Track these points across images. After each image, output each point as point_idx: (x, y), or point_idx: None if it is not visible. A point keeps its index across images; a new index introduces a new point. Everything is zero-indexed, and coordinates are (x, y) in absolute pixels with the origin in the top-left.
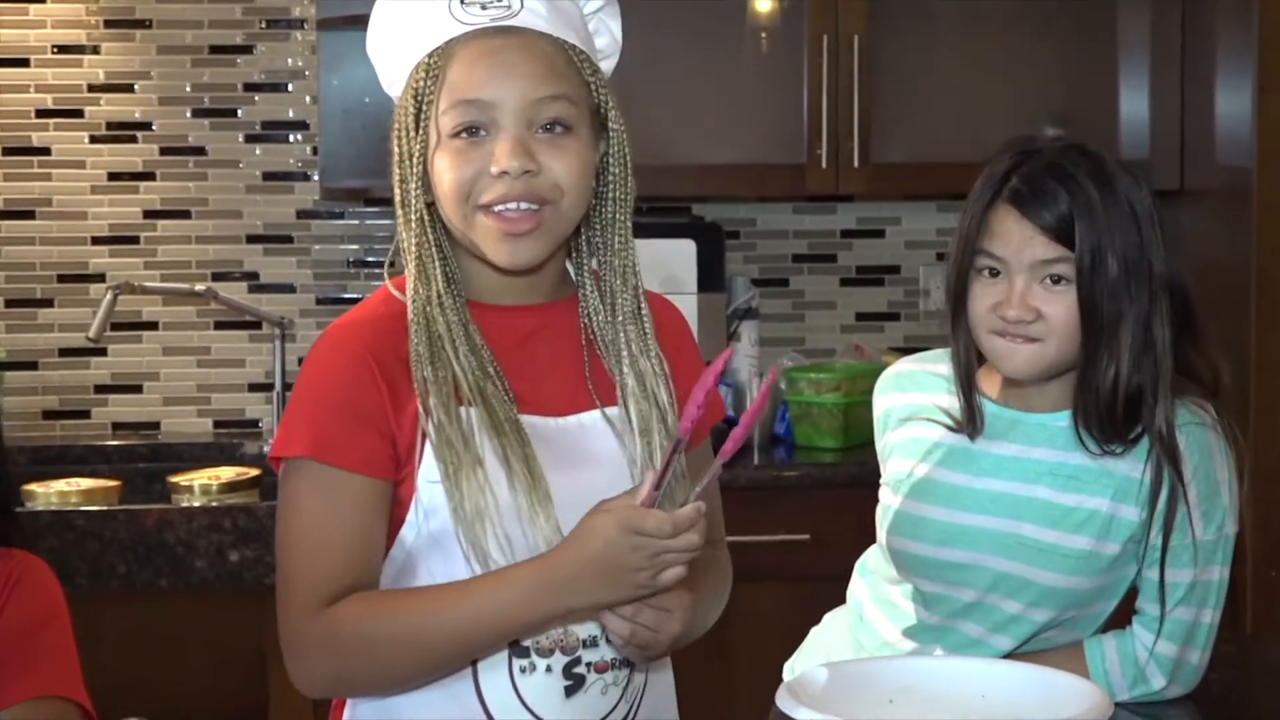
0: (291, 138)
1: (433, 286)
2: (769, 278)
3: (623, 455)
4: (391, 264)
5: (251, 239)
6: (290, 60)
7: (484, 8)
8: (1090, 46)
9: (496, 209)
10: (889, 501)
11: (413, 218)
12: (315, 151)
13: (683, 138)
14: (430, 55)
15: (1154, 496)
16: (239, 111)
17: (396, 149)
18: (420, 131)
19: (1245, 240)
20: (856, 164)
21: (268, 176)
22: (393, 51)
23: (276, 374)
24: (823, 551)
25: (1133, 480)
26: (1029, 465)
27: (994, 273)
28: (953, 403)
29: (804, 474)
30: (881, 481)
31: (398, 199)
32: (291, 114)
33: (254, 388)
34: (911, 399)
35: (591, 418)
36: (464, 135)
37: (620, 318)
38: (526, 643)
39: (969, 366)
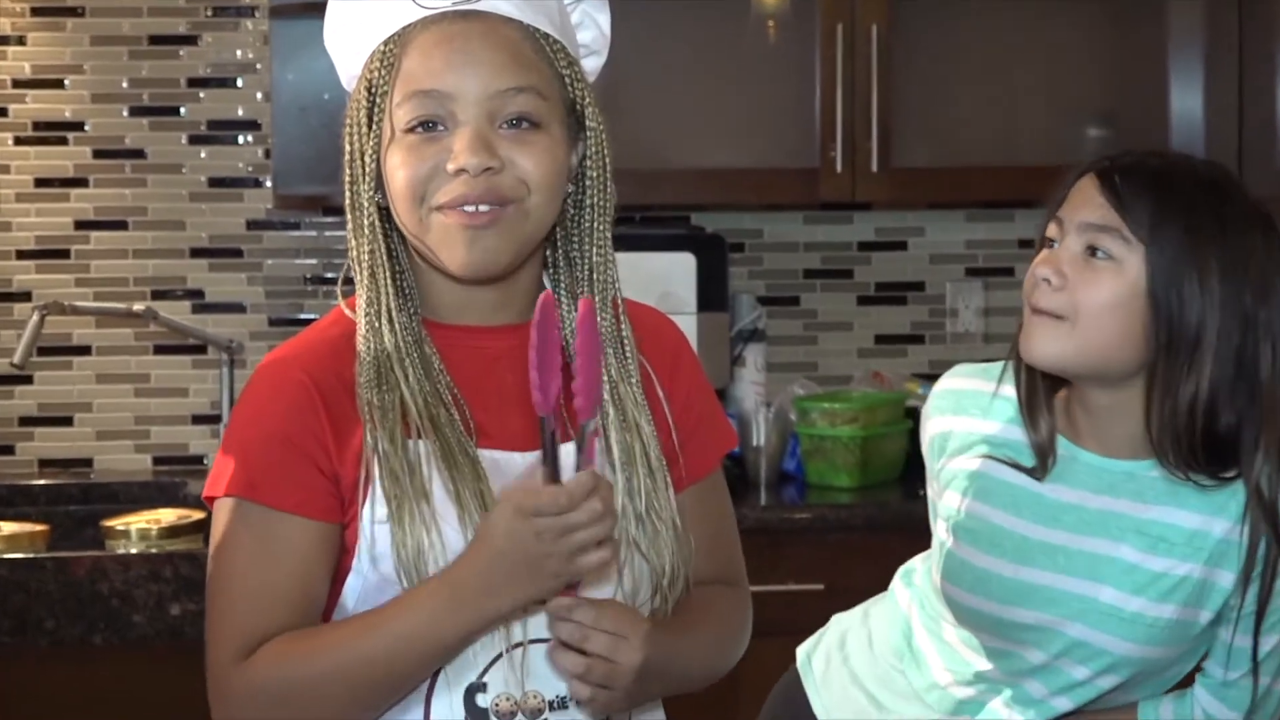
0: (241, 139)
1: (382, 299)
2: (777, 296)
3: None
4: (347, 280)
5: (196, 253)
6: (240, 52)
7: None
8: (1137, 36)
9: (453, 209)
10: (946, 541)
11: (364, 222)
12: (268, 154)
13: (681, 139)
14: (386, 43)
15: (1250, 557)
16: (182, 110)
17: (348, 146)
18: (373, 127)
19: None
20: (875, 168)
21: (214, 183)
22: (349, 41)
23: (223, 404)
24: (838, 603)
25: (1230, 544)
26: (1112, 521)
27: (1052, 241)
28: (1024, 435)
29: (817, 516)
30: (932, 500)
31: (348, 201)
32: (241, 112)
33: (198, 420)
34: (974, 425)
35: (564, 451)
36: (419, 130)
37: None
38: (483, 703)
39: (1031, 388)
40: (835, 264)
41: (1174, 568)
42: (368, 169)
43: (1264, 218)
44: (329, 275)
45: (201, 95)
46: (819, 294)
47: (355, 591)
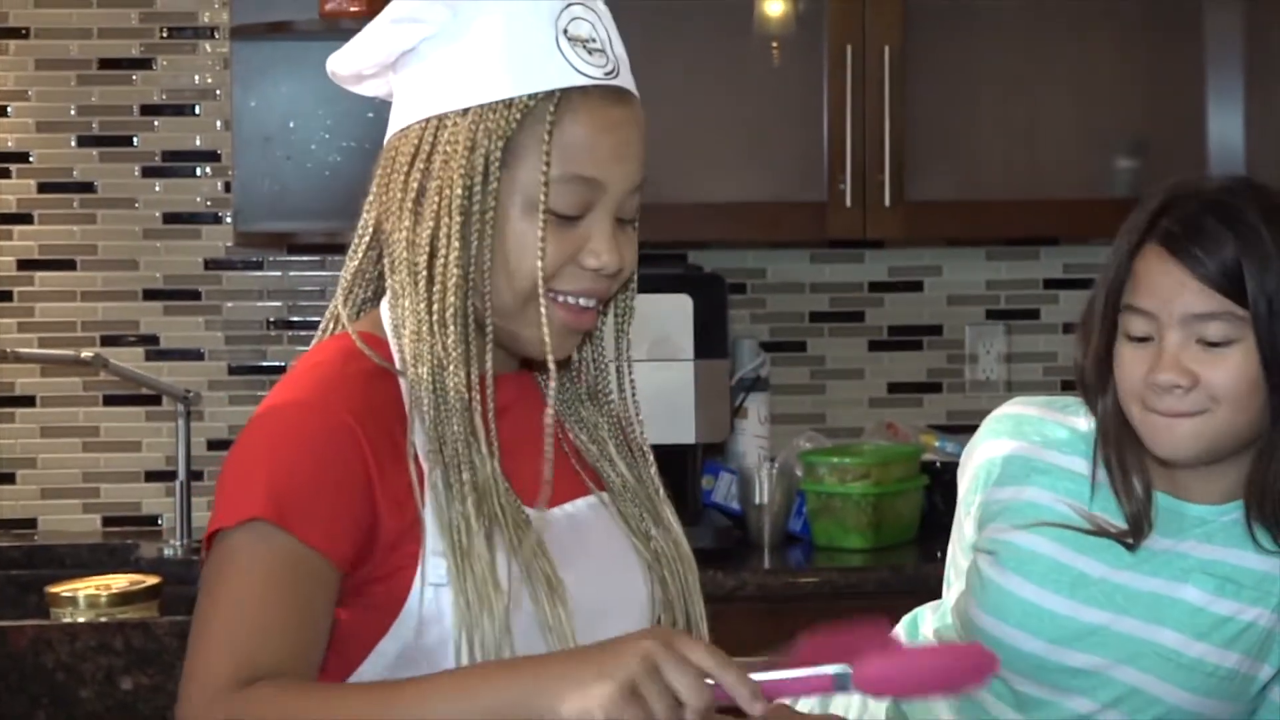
0: (199, 171)
1: (470, 366)
2: (782, 341)
3: (618, 543)
4: (358, 309)
5: (150, 295)
6: (198, 77)
7: (590, 51)
8: (1172, 57)
9: (571, 300)
10: (990, 573)
11: (450, 284)
12: (228, 188)
13: (676, 170)
14: (535, 98)
15: None
16: (135, 139)
17: (461, 195)
18: (489, 181)
19: None
20: (888, 203)
21: (170, 219)
22: (447, 65)
23: (180, 459)
24: None
25: None
26: (1175, 559)
27: (1144, 336)
28: (1086, 467)
29: (825, 580)
30: (966, 543)
31: (433, 253)
32: (199, 142)
33: (152, 476)
34: (1038, 453)
35: (586, 504)
36: (558, 214)
37: (590, 385)
38: None
39: (1122, 453)
40: (845, 306)
41: (1241, 612)
42: (486, 229)
43: None
44: (294, 319)
45: (156, 124)
46: (827, 339)
47: (387, 658)
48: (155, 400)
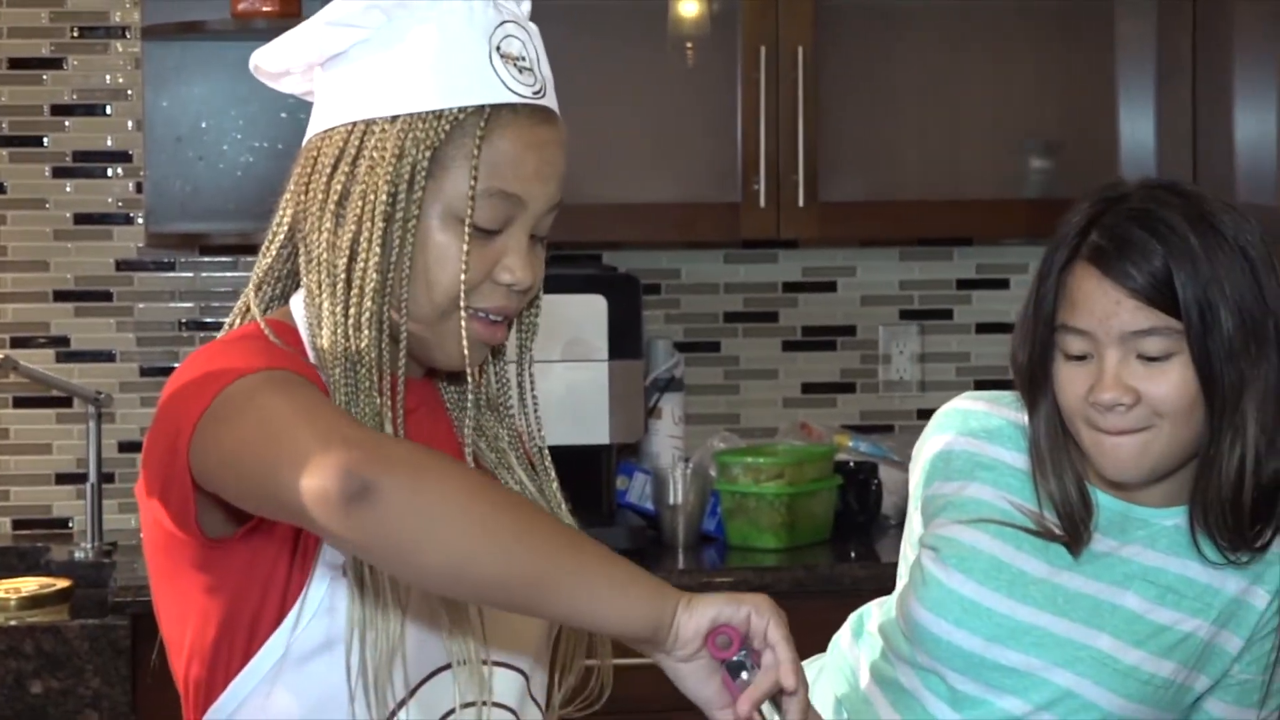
0: (110, 171)
1: (383, 370)
2: (696, 341)
3: None
4: (266, 305)
5: (60, 296)
6: (109, 77)
7: (520, 70)
8: (1085, 59)
9: (483, 315)
10: (931, 568)
11: (368, 288)
12: (139, 189)
13: (590, 171)
14: (466, 111)
15: None
16: (45, 140)
17: (385, 201)
18: (413, 189)
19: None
20: (802, 203)
21: (81, 219)
22: (370, 70)
23: (91, 462)
24: None
25: (1245, 605)
26: (1118, 563)
27: (1082, 355)
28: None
29: (739, 580)
30: (914, 537)
31: (360, 248)
32: (110, 142)
33: (63, 479)
34: (983, 449)
35: None
36: (483, 229)
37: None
38: None
39: (1058, 462)
40: (759, 307)
41: (1180, 622)
42: (407, 236)
43: (1246, 217)
44: (207, 320)
45: (67, 124)
46: (741, 339)
47: (277, 652)
48: (66, 402)
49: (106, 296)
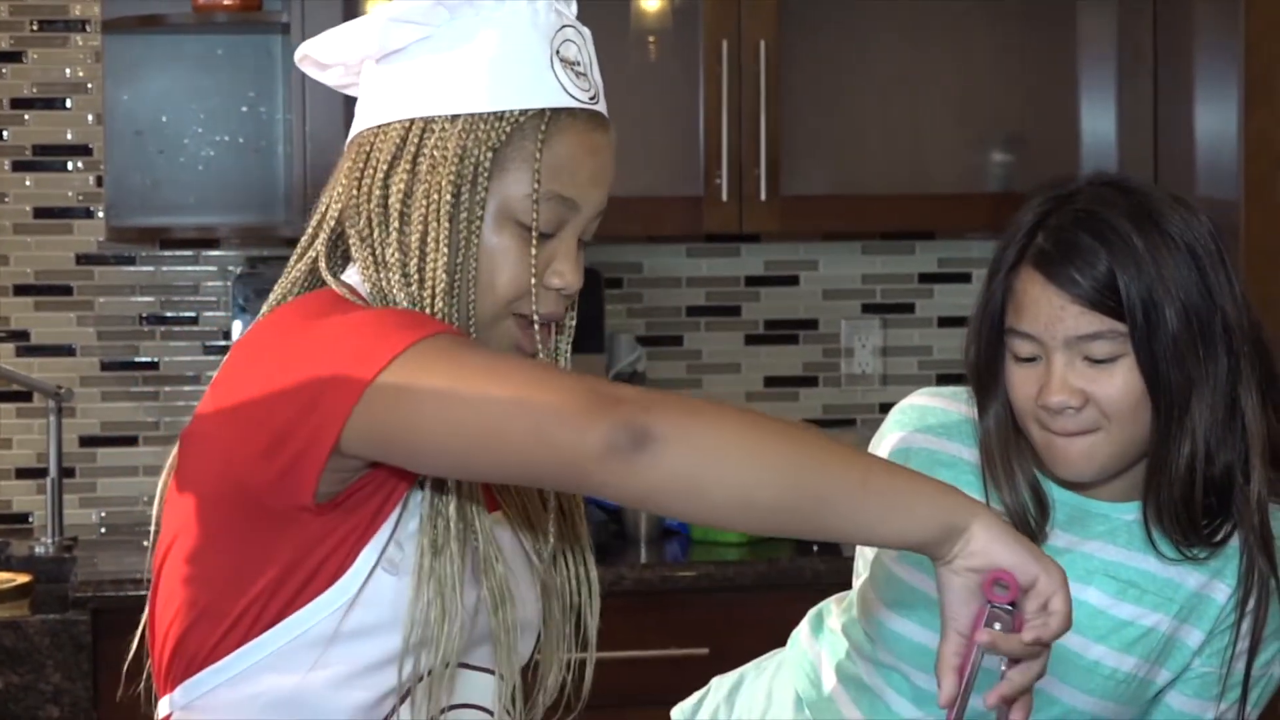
0: (71, 165)
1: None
2: (658, 335)
3: (517, 561)
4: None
5: (20, 290)
6: (68, 71)
7: (577, 74)
8: (1046, 53)
9: (535, 321)
10: (892, 567)
11: (439, 288)
12: (100, 182)
13: None
14: (528, 113)
15: (1241, 607)
16: (5, 133)
17: (450, 202)
18: (477, 188)
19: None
20: (764, 197)
21: (41, 213)
22: (433, 68)
23: (51, 456)
24: (724, 668)
25: (1206, 599)
26: (1079, 560)
27: (1031, 357)
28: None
29: (701, 575)
30: None
31: (422, 256)
32: (70, 136)
33: (23, 474)
34: (941, 446)
35: (491, 521)
36: (540, 232)
37: None
38: None
39: (1007, 460)
40: (721, 300)
41: (1142, 617)
42: (472, 236)
43: (1194, 211)
44: (168, 314)
45: (26, 117)
46: (703, 333)
47: (296, 630)
48: (26, 397)
49: (67, 291)
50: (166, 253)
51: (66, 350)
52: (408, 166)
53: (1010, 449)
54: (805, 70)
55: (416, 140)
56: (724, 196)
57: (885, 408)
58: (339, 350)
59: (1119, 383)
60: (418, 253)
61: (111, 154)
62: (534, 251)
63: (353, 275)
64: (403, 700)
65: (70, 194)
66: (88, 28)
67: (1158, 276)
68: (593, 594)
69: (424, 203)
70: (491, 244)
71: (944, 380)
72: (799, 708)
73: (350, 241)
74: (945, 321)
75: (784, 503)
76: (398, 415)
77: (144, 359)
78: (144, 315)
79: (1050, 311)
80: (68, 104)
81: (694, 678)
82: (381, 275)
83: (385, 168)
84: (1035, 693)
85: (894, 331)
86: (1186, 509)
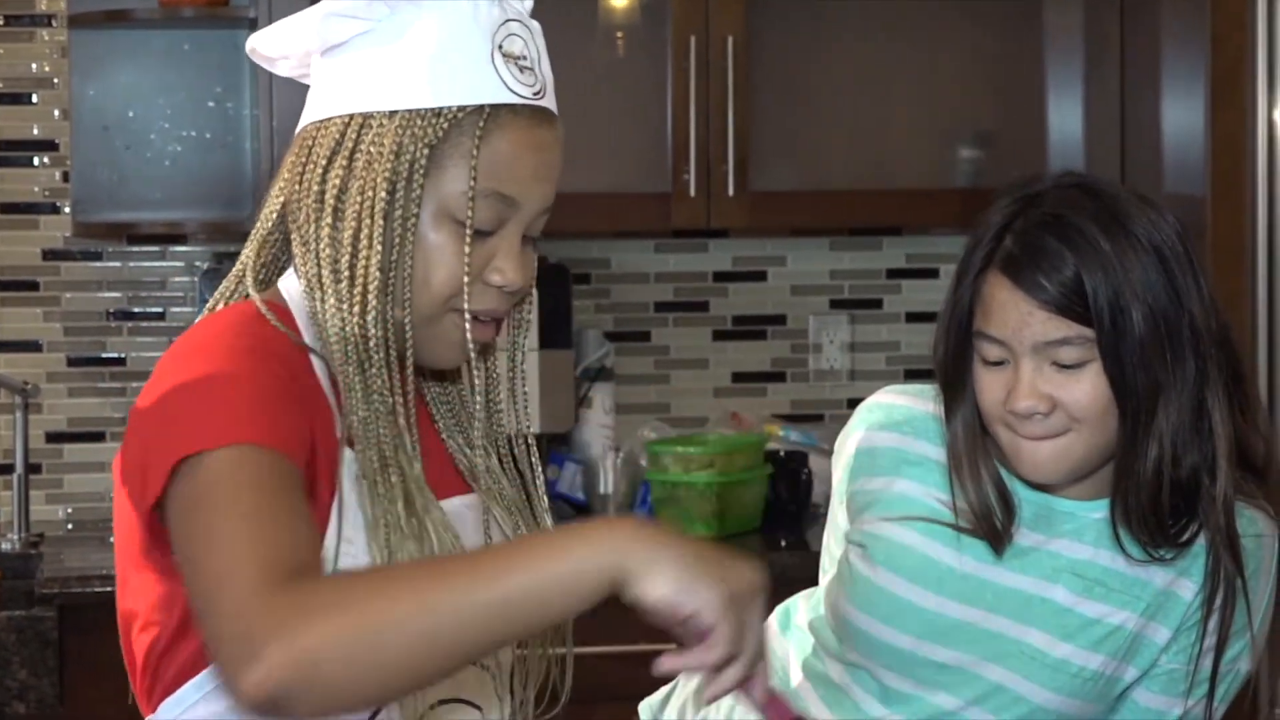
0: (37, 161)
1: (393, 369)
2: (626, 331)
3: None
4: (264, 282)
5: None
6: (35, 65)
7: (521, 69)
8: (1014, 51)
9: (480, 318)
10: (859, 566)
11: (371, 286)
12: (66, 178)
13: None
14: (466, 110)
15: (1209, 601)
16: None
17: (385, 199)
18: (412, 186)
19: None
20: (732, 192)
21: (7, 209)
22: (375, 64)
23: (18, 453)
24: None
25: (1172, 596)
26: (1046, 558)
27: (999, 361)
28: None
29: None
30: (840, 532)
31: (354, 253)
32: (36, 131)
33: None
34: (908, 445)
35: (456, 504)
36: (475, 230)
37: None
38: None
39: (977, 471)
40: (689, 296)
41: (1109, 615)
42: (407, 235)
43: (1161, 212)
44: (135, 310)
45: None
46: (671, 329)
47: None
48: None
49: (33, 286)
50: (133, 248)
51: (33, 346)
52: (344, 162)
53: (977, 451)
54: (773, 66)
55: (355, 136)
56: (692, 192)
57: (853, 403)
58: (180, 414)
59: (1087, 388)
60: (349, 249)
61: (78, 149)
62: (468, 249)
63: (290, 279)
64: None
65: (36, 189)
66: (54, 22)
67: (1125, 280)
68: None
69: (358, 199)
70: (429, 241)
71: (912, 376)
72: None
73: (291, 236)
74: (913, 317)
75: (464, 643)
76: (183, 512)
77: (111, 355)
78: (111, 311)
79: (1018, 316)
80: (34, 99)
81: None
82: (314, 271)
83: (324, 163)
84: (1002, 691)
85: (862, 327)
86: (1154, 512)
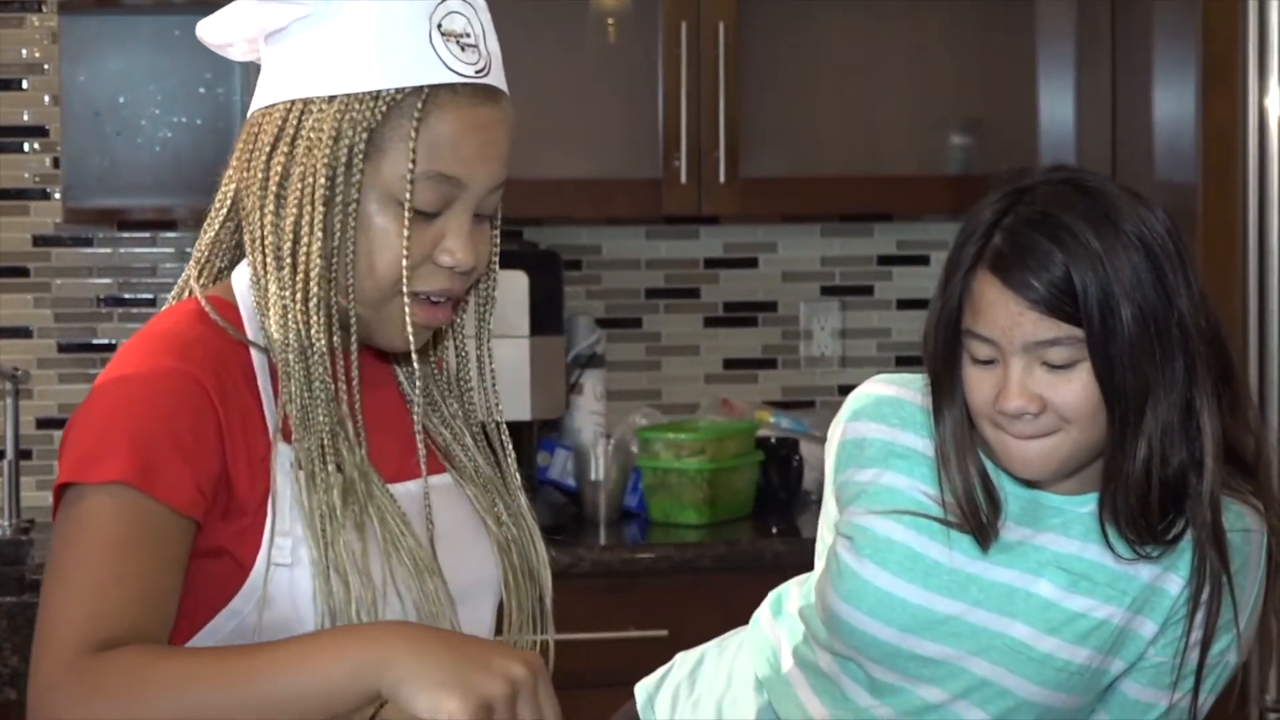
0: (27, 146)
1: (335, 355)
2: (617, 317)
3: (468, 524)
4: (215, 277)
5: None
6: (25, 51)
7: (463, 47)
8: (1006, 38)
9: (432, 299)
10: (846, 559)
11: (313, 273)
12: (57, 164)
13: (513, 147)
14: (403, 92)
15: (1195, 596)
16: None
17: (324, 185)
18: (351, 171)
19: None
20: (723, 179)
21: None
22: (309, 51)
23: (8, 439)
24: (683, 649)
25: (1159, 591)
26: (1032, 552)
27: (989, 360)
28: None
29: (661, 556)
30: (831, 521)
31: (296, 240)
32: (27, 117)
33: None
34: (896, 437)
35: (435, 482)
36: (419, 211)
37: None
38: None
39: (965, 467)
40: (680, 283)
41: (1094, 609)
42: (349, 219)
43: (1152, 208)
44: (125, 296)
45: None
46: (662, 315)
47: (221, 634)
48: None
49: (24, 272)
50: (124, 234)
51: (23, 332)
52: (286, 149)
53: (964, 446)
54: (765, 53)
55: (296, 122)
56: (683, 179)
57: (844, 390)
58: (77, 438)
59: (1077, 388)
60: (291, 236)
61: (68, 135)
62: (406, 232)
63: (242, 270)
64: None
65: (27, 175)
66: (44, 8)
67: (1115, 279)
68: (536, 548)
69: (299, 185)
70: (374, 225)
71: (903, 362)
72: (758, 690)
73: (241, 222)
74: (904, 304)
75: None
76: (55, 538)
77: (101, 341)
78: (101, 297)
79: (1008, 316)
80: (24, 85)
81: (653, 659)
82: (260, 259)
83: (268, 150)
84: (988, 685)
85: (853, 314)
86: (1143, 513)
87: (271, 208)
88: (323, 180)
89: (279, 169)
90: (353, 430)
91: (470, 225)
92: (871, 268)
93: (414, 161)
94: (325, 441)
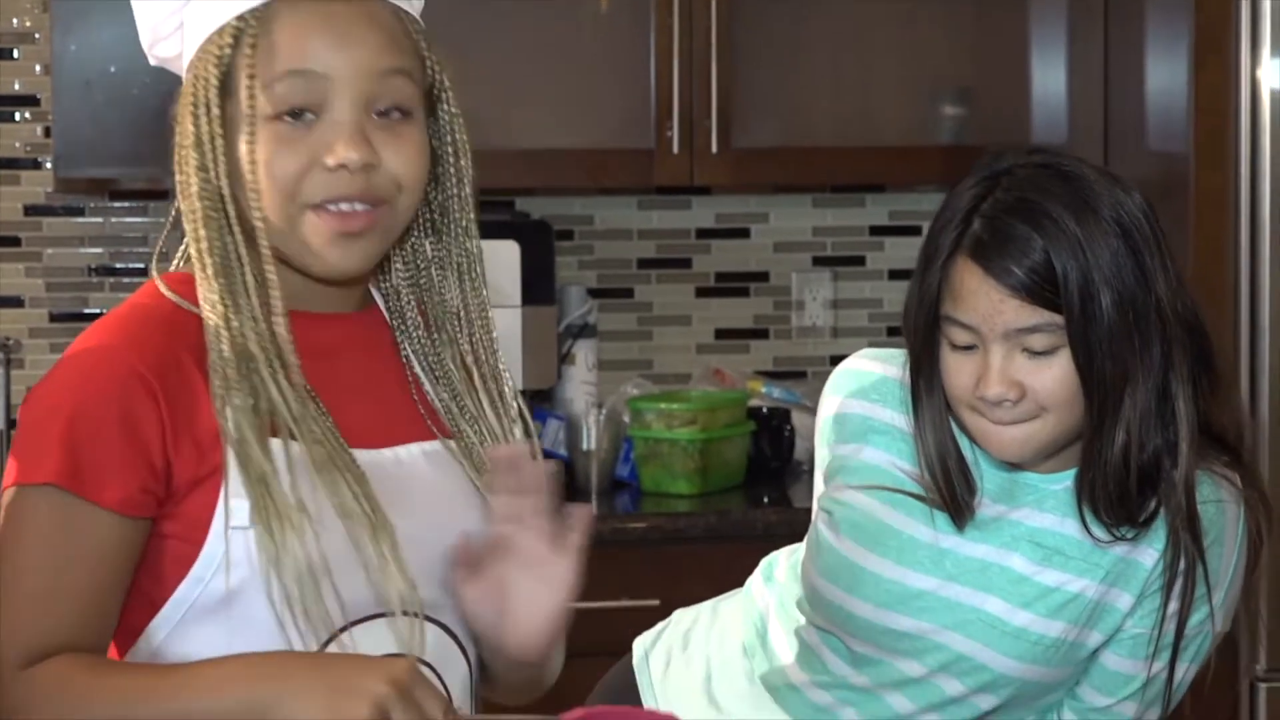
0: (18, 116)
1: (242, 299)
2: (609, 287)
3: (457, 490)
4: (164, 255)
5: None
6: (15, 20)
7: None
8: (998, 8)
9: (329, 207)
10: (825, 534)
11: (212, 215)
12: (48, 133)
13: (504, 117)
14: (243, 18)
15: (1170, 573)
16: None
17: (193, 129)
18: (224, 109)
19: (1180, 239)
20: (715, 149)
21: None
22: (175, 4)
23: (0, 408)
24: None
25: (1133, 564)
26: (1006, 527)
27: (968, 345)
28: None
29: (652, 526)
30: (817, 496)
31: (193, 190)
32: (18, 87)
33: None
34: (875, 413)
35: (413, 451)
36: (288, 119)
37: (446, 335)
38: None
39: (942, 449)
40: (672, 253)
41: (1067, 583)
42: (219, 156)
43: (1129, 191)
44: (117, 265)
45: None
46: (654, 285)
47: (187, 602)
48: None
49: (15, 242)
50: (115, 204)
51: (15, 302)
52: (174, 112)
53: (944, 429)
54: (757, 22)
55: (188, 82)
56: (675, 149)
57: (836, 360)
58: (21, 437)
59: (1056, 374)
60: (180, 187)
61: (59, 104)
62: (247, 136)
63: None
64: (344, 631)
65: (18, 145)
66: None
67: (1094, 265)
68: None
69: (177, 137)
70: (257, 148)
71: (895, 333)
72: (745, 655)
73: None
74: (896, 274)
75: None
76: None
77: (93, 310)
78: (93, 267)
79: (988, 304)
80: (15, 54)
81: (644, 629)
82: (186, 224)
83: (177, 111)
84: (965, 659)
85: (845, 284)
86: (1120, 498)
87: (176, 168)
88: (189, 126)
89: (175, 127)
90: (291, 385)
91: (356, 120)
92: (863, 238)
93: (252, 69)
94: (262, 406)
